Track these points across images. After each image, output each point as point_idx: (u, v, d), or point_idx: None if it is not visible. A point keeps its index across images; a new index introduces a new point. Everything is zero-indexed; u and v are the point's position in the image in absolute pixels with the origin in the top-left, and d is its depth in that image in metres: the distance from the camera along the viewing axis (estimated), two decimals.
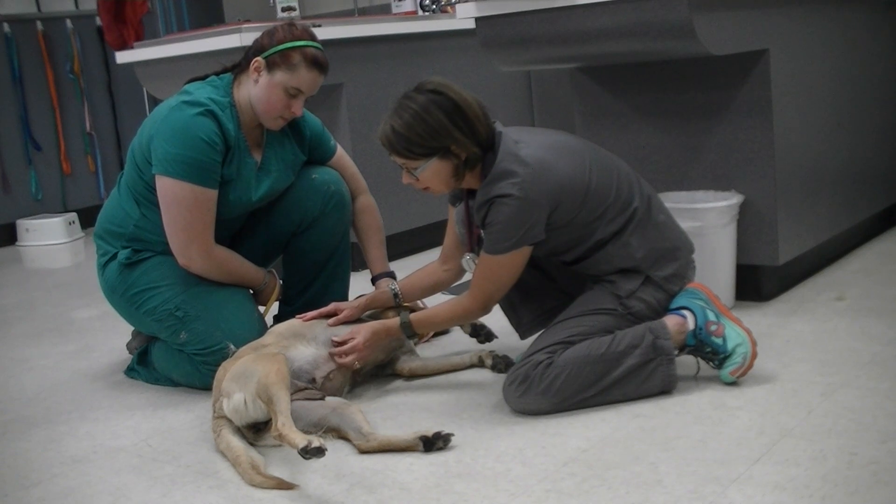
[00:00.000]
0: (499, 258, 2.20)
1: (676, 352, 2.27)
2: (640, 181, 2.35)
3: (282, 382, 2.08)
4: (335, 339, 2.40)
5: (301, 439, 1.88)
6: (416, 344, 2.71)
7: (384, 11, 5.51)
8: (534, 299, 2.50)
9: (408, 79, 2.26)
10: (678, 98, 2.98)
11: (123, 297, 2.63)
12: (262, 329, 2.58)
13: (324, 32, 3.40)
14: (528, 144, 2.20)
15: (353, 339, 2.38)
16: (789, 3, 2.93)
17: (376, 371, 2.57)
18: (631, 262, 2.28)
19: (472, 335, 2.67)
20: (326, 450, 1.86)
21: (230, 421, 2.16)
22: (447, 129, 2.15)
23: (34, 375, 2.96)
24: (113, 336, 3.25)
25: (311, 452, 1.85)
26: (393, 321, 2.41)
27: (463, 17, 2.99)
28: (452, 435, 2.09)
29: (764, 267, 2.94)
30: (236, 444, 2.10)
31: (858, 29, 3.40)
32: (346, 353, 2.37)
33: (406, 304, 2.58)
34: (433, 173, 2.20)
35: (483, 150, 2.20)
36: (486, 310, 2.32)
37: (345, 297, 2.82)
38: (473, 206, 2.25)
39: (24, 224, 5.66)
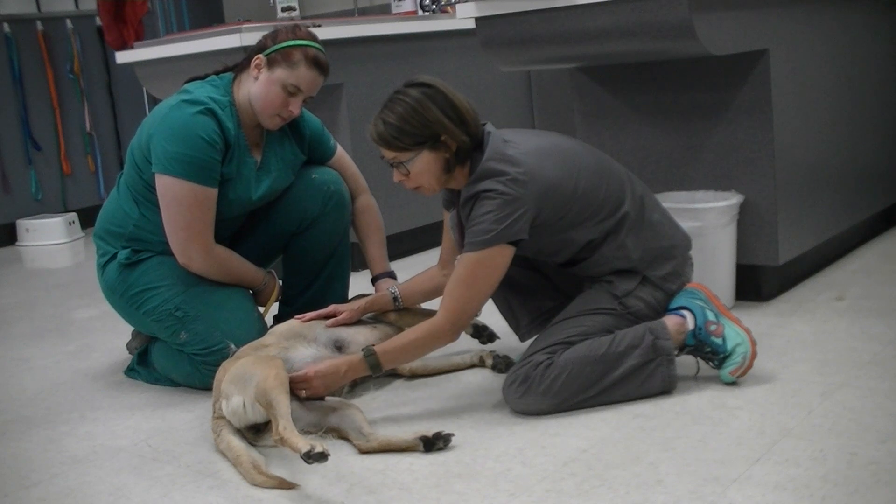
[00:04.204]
0: (478, 255, 2.14)
1: (676, 352, 2.27)
2: (633, 181, 2.34)
3: (281, 386, 2.07)
4: (292, 374, 2.22)
5: (303, 444, 1.88)
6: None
7: (384, 11, 5.51)
8: (531, 301, 2.49)
9: (407, 79, 2.26)
10: (678, 98, 2.98)
11: (123, 297, 2.63)
12: (262, 329, 2.58)
13: (324, 32, 3.40)
14: (517, 145, 2.20)
15: (308, 372, 2.21)
16: (789, 3, 2.93)
17: None
18: (627, 263, 2.28)
19: (474, 336, 2.67)
20: (329, 455, 1.86)
21: (230, 421, 2.16)
22: (438, 119, 2.15)
23: (34, 375, 2.96)
24: (113, 336, 3.25)
25: (313, 457, 1.85)
26: (355, 355, 2.24)
27: (463, 17, 2.99)
28: (453, 435, 2.09)
29: (764, 267, 2.94)
30: (237, 444, 2.10)
31: (858, 29, 3.40)
32: (300, 387, 2.21)
33: (406, 307, 2.58)
34: (424, 166, 2.19)
35: (473, 141, 2.20)
36: (455, 326, 2.17)
37: (345, 298, 2.82)
38: (459, 204, 2.24)
39: (24, 224, 5.66)
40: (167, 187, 2.48)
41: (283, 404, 2.03)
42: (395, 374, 2.58)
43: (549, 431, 2.11)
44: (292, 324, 2.47)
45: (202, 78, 2.62)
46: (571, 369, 2.18)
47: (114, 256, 2.63)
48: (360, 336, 2.46)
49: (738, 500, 1.73)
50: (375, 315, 2.58)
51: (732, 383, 2.28)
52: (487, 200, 2.13)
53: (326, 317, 2.49)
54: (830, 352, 2.46)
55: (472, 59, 4.37)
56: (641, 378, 2.22)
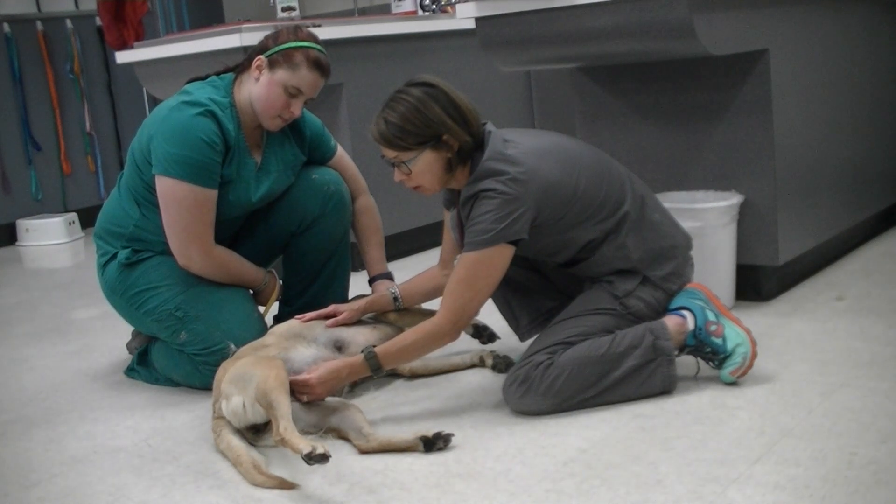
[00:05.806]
0: (478, 255, 2.14)
1: (676, 352, 2.27)
2: (634, 181, 2.34)
3: (281, 387, 2.07)
4: (293, 378, 2.19)
5: (304, 445, 1.87)
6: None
7: (384, 11, 5.51)
8: (531, 301, 2.49)
9: (408, 79, 2.27)
10: (678, 98, 2.98)
11: (123, 297, 2.63)
12: (262, 329, 2.58)
13: (324, 32, 3.40)
14: (517, 145, 2.20)
15: (309, 374, 2.21)
16: (789, 3, 2.93)
17: None
18: (627, 263, 2.28)
19: (474, 336, 2.67)
20: (330, 456, 1.86)
21: (230, 421, 2.16)
22: (441, 118, 2.15)
23: (34, 375, 2.96)
24: (113, 336, 3.25)
25: (315, 459, 1.85)
26: (356, 357, 2.23)
27: (463, 17, 2.99)
28: (453, 435, 2.09)
29: (764, 267, 2.94)
30: (237, 443, 2.10)
31: (858, 29, 3.40)
32: (301, 391, 2.21)
33: (406, 307, 2.58)
34: (426, 166, 2.19)
35: (474, 141, 2.20)
36: (456, 326, 2.17)
37: (345, 298, 2.82)
38: (459, 204, 2.24)
39: (24, 224, 5.66)
40: (167, 189, 2.48)
41: (284, 405, 2.03)
42: (395, 374, 2.58)
43: (549, 431, 2.12)
44: (292, 324, 2.47)
45: (203, 78, 2.62)
46: (571, 369, 2.18)
47: (114, 256, 2.64)
48: (361, 336, 2.46)
49: (738, 500, 1.73)
50: (375, 315, 2.58)
51: (732, 383, 2.28)
52: (487, 200, 2.13)
53: (326, 317, 2.49)
54: (830, 352, 2.46)
55: (472, 59, 4.37)
56: (641, 378, 2.22)
